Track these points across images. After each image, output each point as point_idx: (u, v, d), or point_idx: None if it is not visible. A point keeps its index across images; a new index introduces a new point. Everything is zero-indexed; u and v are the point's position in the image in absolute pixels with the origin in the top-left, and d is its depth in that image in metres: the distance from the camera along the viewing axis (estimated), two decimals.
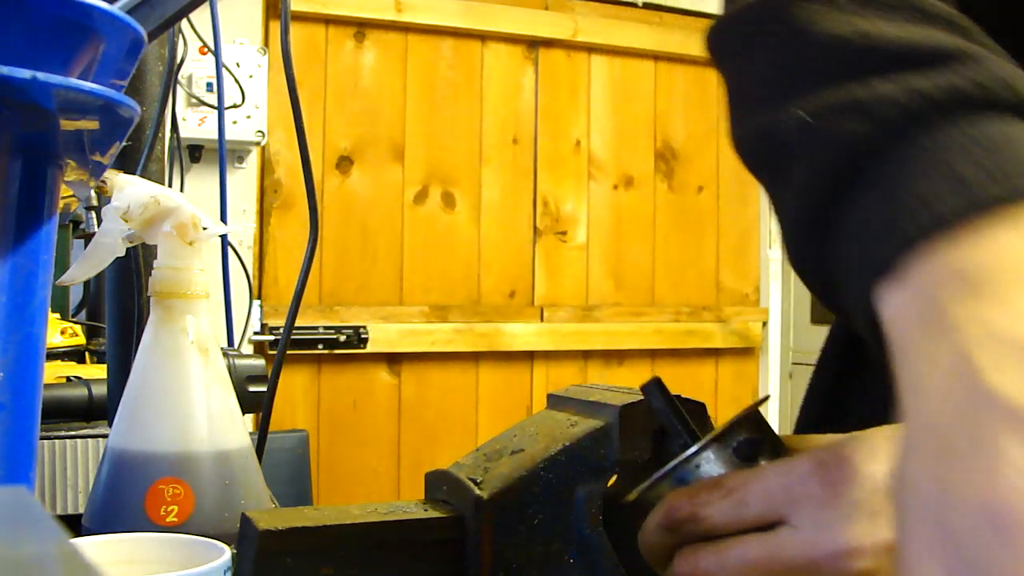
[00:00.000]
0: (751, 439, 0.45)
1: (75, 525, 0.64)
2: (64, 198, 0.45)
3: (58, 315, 1.58)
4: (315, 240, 0.81)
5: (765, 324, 2.99)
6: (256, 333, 2.46)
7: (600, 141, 2.85)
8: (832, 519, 0.40)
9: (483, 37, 2.72)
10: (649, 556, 0.45)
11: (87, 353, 1.51)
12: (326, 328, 2.53)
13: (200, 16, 1.30)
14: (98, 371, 1.06)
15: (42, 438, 0.79)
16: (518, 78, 2.77)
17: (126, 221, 0.64)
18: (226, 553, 0.48)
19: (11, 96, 0.34)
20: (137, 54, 0.42)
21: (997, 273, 0.34)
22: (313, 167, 0.85)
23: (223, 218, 1.35)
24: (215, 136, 1.49)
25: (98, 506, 0.63)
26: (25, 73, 0.34)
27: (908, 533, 0.32)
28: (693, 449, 0.44)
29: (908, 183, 0.36)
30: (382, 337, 2.58)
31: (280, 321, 2.45)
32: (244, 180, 2.45)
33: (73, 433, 0.81)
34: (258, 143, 2.41)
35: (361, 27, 2.61)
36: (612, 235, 2.85)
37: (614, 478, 0.50)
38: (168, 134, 1.01)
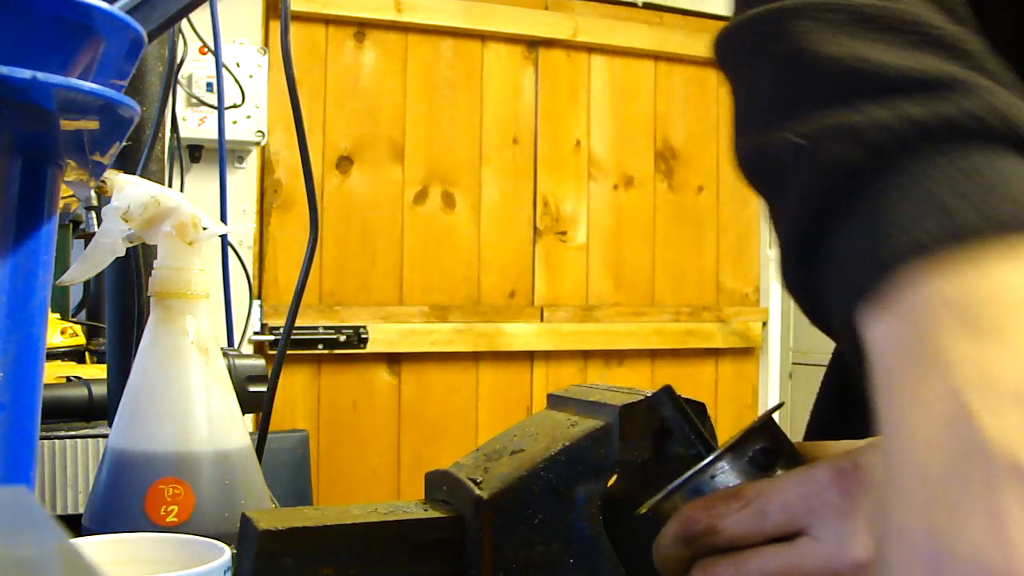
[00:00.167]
0: (766, 448, 0.44)
1: (75, 525, 0.64)
2: (64, 198, 0.45)
3: (58, 315, 1.58)
4: (315, 240, 0.81)
5: (765, 324, 2.99)
6: (256, 333, 2.46)
7: (600, 141, 2.85)
8: (853, 529, 0.39)
9: (483, 37, 2.72)
10: (664, 569, 0.44)
11: (87, 353, 1.51)
12: (326, 328, 2.53)
13: (200, 16, 1.30)
14: (98, 371, 1.06)
15: (42, 438, 0.79)
16: (518, 78, 2.77)
17: (126, 221, 0.64)
18: (226, 553, 0.48)
19: (11, 96, 0.34)
20: (137, 54, 0.42)
21: (992, 308, 0.32)
22: (313, 167, 0.85)
23: (223, 218, 1.35)
24: (215, 136, 1.49)
25: (98, 506, 0.63)
26: (25, 73, 0.34)
27: None
28: (708, 460, 0.43)
29: (890, 209, 0.36)
30: (382, 337, 2.58)
31: (280, 321, 2.45)
32: (244, 180, 2.45)
33: (73, 433, 0.81)
34: (258, 143, 2.41)
35: (361, 27, 2.61)
36: (612, 235, 2.85)
37: (614, 478, 0.50)
38: (168, 134, 1.01)
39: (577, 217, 2.82)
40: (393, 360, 2.62)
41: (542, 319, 2.76)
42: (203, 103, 2.28)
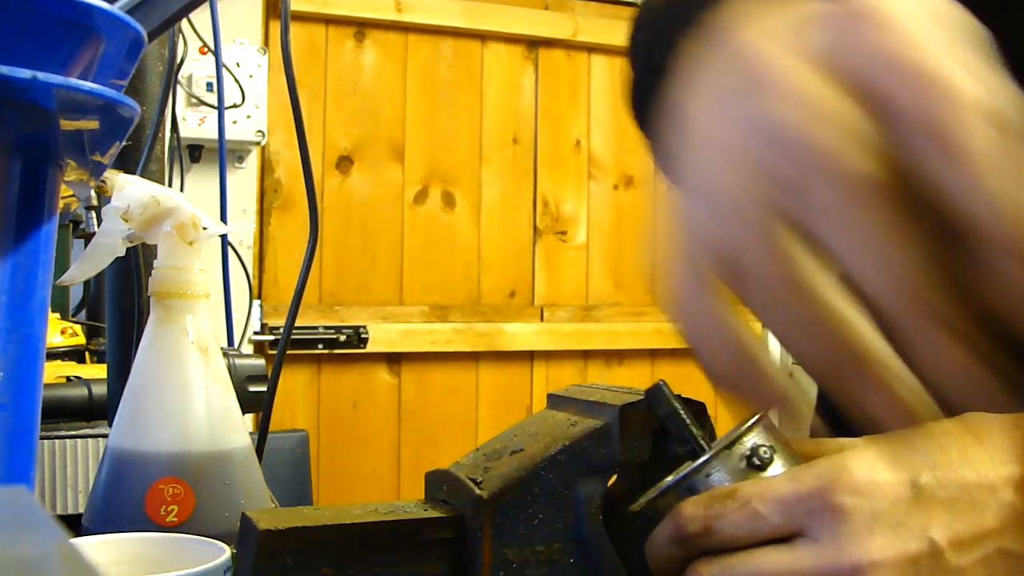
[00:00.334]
0: (763, 446, 0.44)
1: (75, 525, 0.64)
2: (64, 198, 0.45)
3: (58, 315, 1.58)
4: (315, 240, 0.81)
5: None
6: (256, 333, 2.46)
7: (600, 141, 2.85)
8: (852, 531, 0.39)
9: (483, 37, 2.72)
10: (657, 569, 0.44)
11: (87, 353, 1.51)
12: (326, 328, 2.53)
13: (200, 16, 1.30)
14: (98, 371, 1.06)
15: (42, 438, 0.79)
16: (518, 78, 2.77)
17: (126, 221, 0.64)
18: (226, 553, 0.48)
19: (11, 96, 0.34)
20: (137, 54, 0.42)
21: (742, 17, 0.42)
22: (313, 167, 0.85)
23: (223, 218, 1.35)
24: (215, 136, 1.49)
25: (98, 506, 0.63)
26: (25, 73, 0.34)
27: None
28: (704, 458, 0.43)
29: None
30: (382, 337, 2.58)
31: (280, 321, 2.45)
32: (244, 180, 2.45)
33: (73, 433, 0.81)
34: (258, 143, 2.41)
35: (361, 27, 2.61)
36: (612, 235, 2.85)
37: (614, 478, 0.50)
38: (168, 134, 1.01)
39: (577, 217, 2.82)
40: (393, 360, 2.62)
41: (542, 319, 2.76)
42: (203, 103, 2.28)
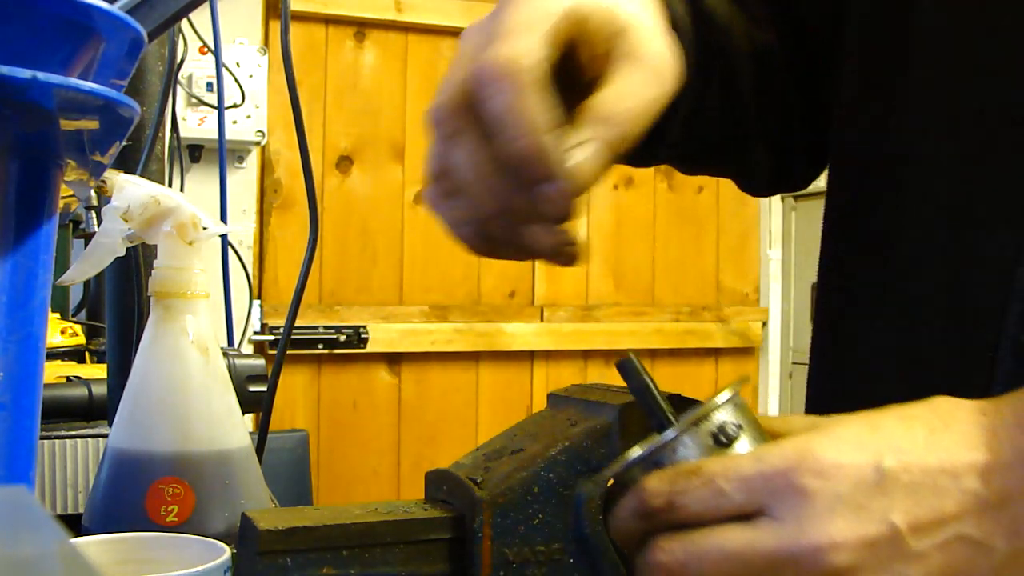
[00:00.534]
0: (731, 423, 0.44)
1: (75, 525, 0.64)
2: (64, 198, 0.45)
3: (58, 315, 1.58)
4: (315, 240, 0.81)
5: (765, 324, 2.99)
6: (256, 333, 2.46)
7: None
8: (813, 512, 0.39)
9: None
10: (620, 541, 0.44)
11: (87, 353, 1.50)
12: (326, 328, 2.53)
13: (200, 16, 1.30)
14: (98, 371, 1.06)
15: (42, 438, 0.79)
16: None
17: (126, 221, 0.64)
18: (226, 553, 0.48)
19: (11, 96, 0.34)
20: (137, 54, 0.42)
21: None
22: (313, 167, 0.85)
23: (223, 218, 1.35)
24: (215, 136, 1.49)
25: (98, 506, 0.63)
26: (25, 73, 0.34)
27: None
28: (671, 433, 0.43)
29: None
30: (382, 337, 2.58)
31: (280, 321, 2.45)
32: (244, 180, 2.45)
33: (73, 433, 0.81)
34: (258, 143, 2.41)
35: (361, 27, 2.61)
36: (612, 235, 2.85)
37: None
38: (168, 134, 1.01)
39: (577, 217, 2.81)
40: (393, 360, 2.62)
41: (542, 319, 2.76)
42: (203, 103, 2.28)
